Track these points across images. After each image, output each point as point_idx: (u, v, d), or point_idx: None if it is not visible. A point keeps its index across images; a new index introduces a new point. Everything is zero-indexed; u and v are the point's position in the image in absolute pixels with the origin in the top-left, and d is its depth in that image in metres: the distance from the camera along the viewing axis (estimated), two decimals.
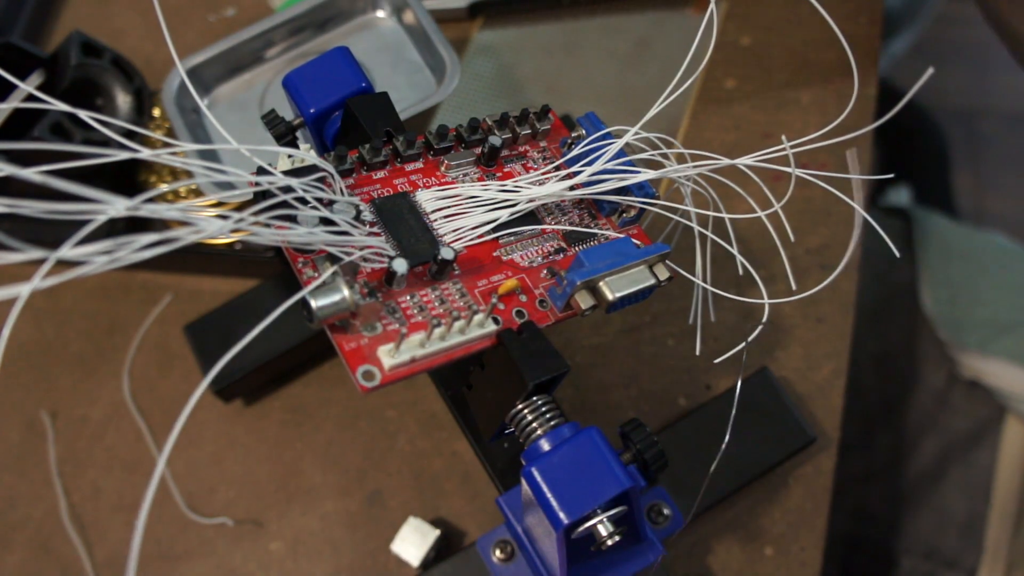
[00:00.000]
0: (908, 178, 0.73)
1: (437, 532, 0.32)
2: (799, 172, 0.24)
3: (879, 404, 0.48)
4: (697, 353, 0.27)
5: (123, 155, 0.18)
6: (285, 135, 0.27)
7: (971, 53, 1.01)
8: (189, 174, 0.36)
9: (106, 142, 0.21)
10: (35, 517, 0.35)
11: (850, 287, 0.37)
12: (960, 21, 0.99)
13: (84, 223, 0.16)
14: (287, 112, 0.27)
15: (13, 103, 0.31)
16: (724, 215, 0.25)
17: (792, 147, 0.24)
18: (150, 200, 0.17)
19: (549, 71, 0.43)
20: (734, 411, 0.27)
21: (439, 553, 0.33)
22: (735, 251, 0.25)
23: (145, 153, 0.19)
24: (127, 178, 0.37)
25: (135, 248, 0.16)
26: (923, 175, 0.75)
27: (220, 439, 0.36)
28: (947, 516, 0.46)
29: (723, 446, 0.26)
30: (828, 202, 0.40)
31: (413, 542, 0.32)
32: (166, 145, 0.38)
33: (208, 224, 0.18)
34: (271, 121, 0.27)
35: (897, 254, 0.25)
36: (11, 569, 0.34)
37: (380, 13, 0.39)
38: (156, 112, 0.37)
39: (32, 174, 0.16)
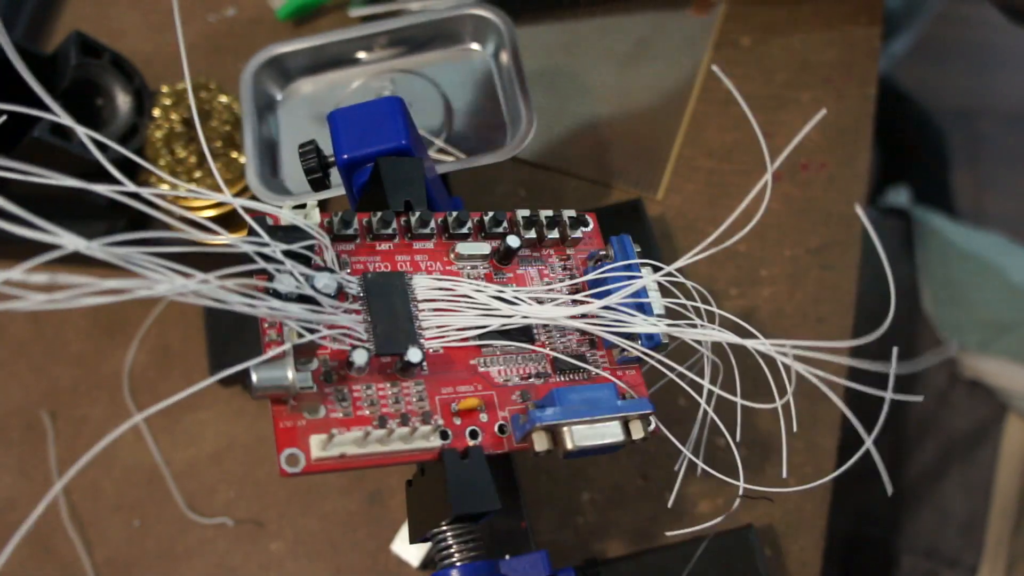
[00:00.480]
0: (908, 178, 0.73)
1: None
2: (798, 367, 0.23)
3: (880, 404, 0.48)
4: (669, 505, 0.26)
5: (102, 189, 0.17)
6: (315, 171, 0.26)
7: (971, 53, 1.01)
8: (199, 163, 0.36)
9: (105, 147, 0.21)
10: None
11: (850, 287, 0.37)
12: (960, 21, 0.99)
13: (84, 230, 0.16)
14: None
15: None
16: (737, 400, 0.24)
17: (792, 346, 0.23)
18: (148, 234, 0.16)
19: (549, 71, 0.43)
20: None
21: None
22: (736, 440, 0.24)
23: (130, 187, 0.18)
24: (128, 176, 0.37)
25: (81, 293, 0.15)
26: (923, 175, 0.75)
27: (220, 439, 0.36)
28: (948, 515, 0.46)
29: None
30: (828, 202, 0.40)
31: None
32: (191, 149, 0.37)
33: (164, 281, 0.17)
34: (305, 154, 0.26)
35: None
36: (11, 569, 0.34)
37: (476, 46, 0.37)
38: (156, 112, 0.37)
39: None
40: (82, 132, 0.19)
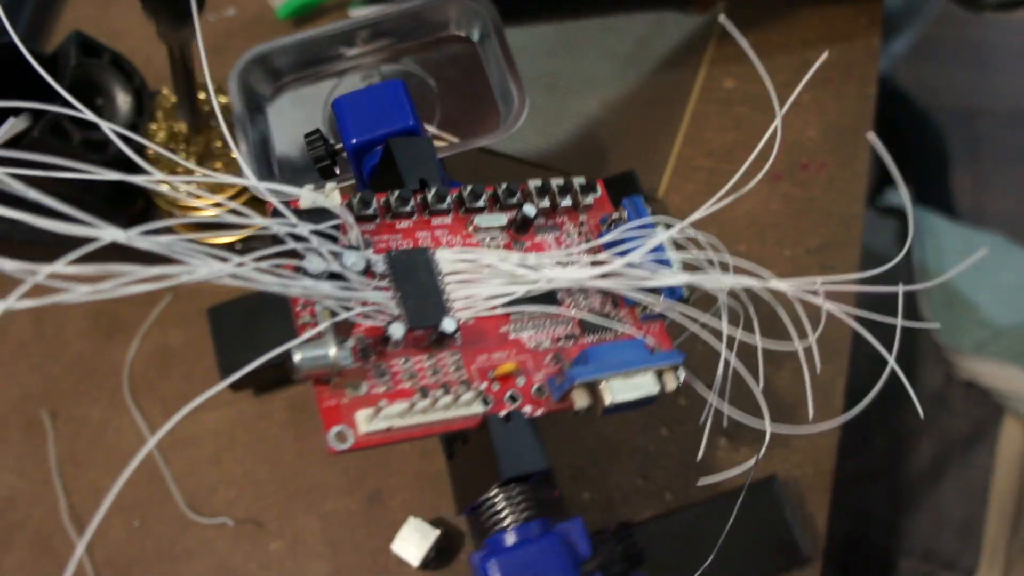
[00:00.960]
0: (907, 178, 0.73)
1: (437, 532, 0.32)
2: (829, 307, 0.23)
3: (877, 405, 0.48)
4: (698, 459, 0.26)
5: (140, 180, 0.18)
6: (324, 159, 0.26)
7: (971, 53, 1.01)
8: (199, 163, 0.36)
9: (106, 143, 0.21)
10: (35, 517, 0.35)
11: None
12: (960, 21, 0.99)
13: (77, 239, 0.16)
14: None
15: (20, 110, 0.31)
16: (757, 343, 0.24)
17: (823, 282, 0.23)
18: (150, 231, 0.17)
19: (549, 71, 0.43)
20: (728, 526, 0.26)
21: (439, 553, 0.33)
22: (760, 386, 0.24)
23: (157, 176, 0.19)
24: (128, 173, 0.37)
25: (124, 282, 0.16)
26: (923, 175, 0.75)
27: (220, 439, 0.36)
28: (945, 517, 0.46)
29: (712, 555, 0.25)
30: (828, 202, 0.40)
31: (413, 542, 0.32)
32: (192, 149, 0.38)
33: (204, 265, 0.17)
34: (312, 142, 0.26)
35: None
36: (11, 569, 0.34)
37: (463, 33, 0.37)
38: (157, 114, 0.37)
39: (26, 190, 0.15)
40: (107, 127, 0.20)
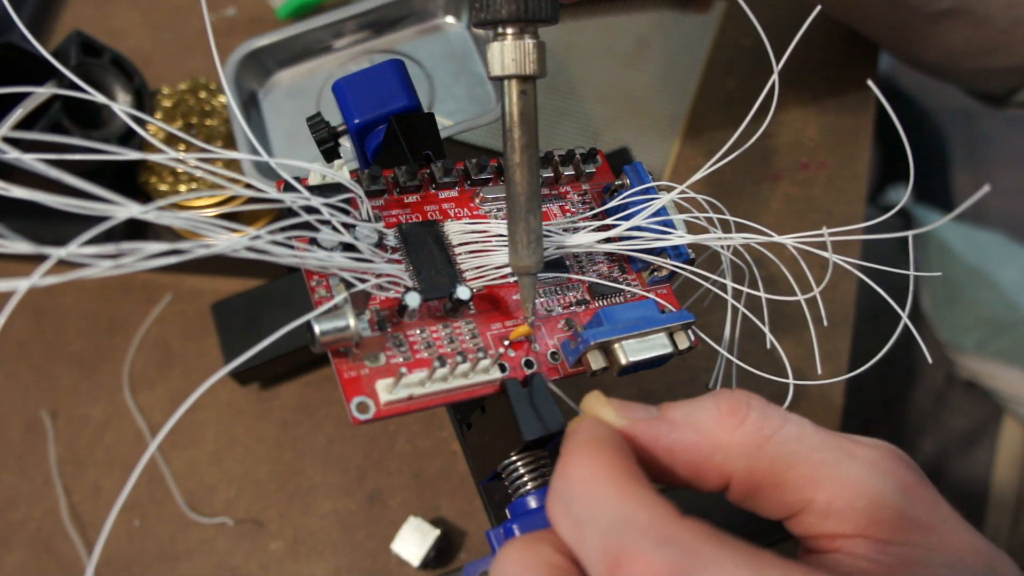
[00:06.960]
0: (908, 177, 0.73)
1: (437, 532, 0.32)
2: (836, 259, 0.24)
3: (879, 403, 0.48)
4: None
5: (160, 158, 0.18)
6: (327, 141, 0.26)
7: None
8: (191, 176, 0.36)
9: (106, 141, 0.21)
10: (35, 517, 0.35)
11: (850, 287, 0.37)
12: None
13: (87, 225, 0.16)
14: (336, 114, 0.27)
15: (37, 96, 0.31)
16: (761, 294, 0.24)
17: (831, 234, 0.23)
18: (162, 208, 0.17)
19: (549, 71, 0.43)
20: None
21: (439, 552, 0.33)
22: (767, 329, 0.24)
23: (168, 155, 0.19)
24: (127, 179, 0.37)
25: (142, 256, 0.16)
26: (923, 174, 0.75)
27: (220, 439, 0.36)
28: None
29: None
30: (829, 201, 0.40)
31: (413, 542, 0.32)
32: (193, 149, 0.38)
33: (222, 239, 0.18)
34: (315, 125, 0.26)
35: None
36: (11, 569, 0.34)
37: (451, 19, 0.38)
38: (157, 114, 0.37)
39: (47, 168, 0.15)
40: (119, 110, 0.20)
